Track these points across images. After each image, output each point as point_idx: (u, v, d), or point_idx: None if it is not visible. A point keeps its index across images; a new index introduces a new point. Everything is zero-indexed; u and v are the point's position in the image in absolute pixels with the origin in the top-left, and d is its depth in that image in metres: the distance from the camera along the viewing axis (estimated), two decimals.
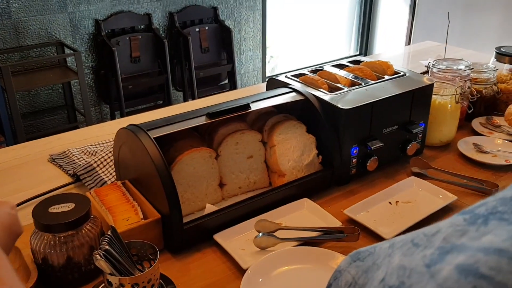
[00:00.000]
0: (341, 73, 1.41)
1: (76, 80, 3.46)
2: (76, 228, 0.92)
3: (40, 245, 0.92)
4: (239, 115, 1.23)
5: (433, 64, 1.50)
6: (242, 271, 0.95)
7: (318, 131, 1.25)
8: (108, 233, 0.88)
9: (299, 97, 1.26)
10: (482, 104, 1.63)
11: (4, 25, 3.25)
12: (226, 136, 1.19)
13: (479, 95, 1.55)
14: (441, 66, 1.48)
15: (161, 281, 0.93)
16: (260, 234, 1.03)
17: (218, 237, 1.06)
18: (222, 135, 1.20)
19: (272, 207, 1.15)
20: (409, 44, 4.91)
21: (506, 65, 1.67)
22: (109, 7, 3.62)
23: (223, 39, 4.09)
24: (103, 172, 1.30)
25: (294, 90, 1.28)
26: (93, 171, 1.30)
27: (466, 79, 1.48)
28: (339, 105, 1.21)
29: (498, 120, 1.59)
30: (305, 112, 1.28)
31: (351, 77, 1.37)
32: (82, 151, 1.44)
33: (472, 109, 1.48)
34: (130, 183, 1.13)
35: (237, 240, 1.07)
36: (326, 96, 1.25)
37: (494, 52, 1.68)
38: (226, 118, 1.20)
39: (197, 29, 3.95)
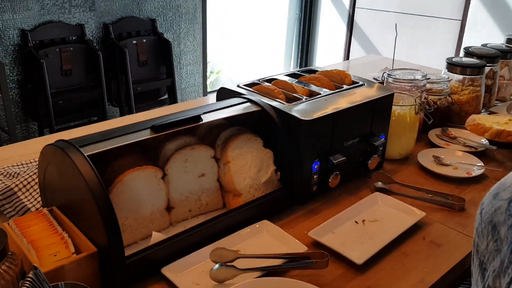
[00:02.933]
0: (298, 83, 1.30)
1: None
2: None
3: None
4: (188, 128, 1.09)
5: (388, 74, 1.44)
6: None
7: (276, 145, 1.13)
8: (30, 275, 0.70)
9: (254, 108, 1.13)
10: (437, 116, 1.59)
11: None
12: (173, 152, 1.04)
13: (435, 106, 1.51)
14: (397, 76, 1.42)
15: None
16: (217, 265, 0.88)
17: (167, 270, 0.90)
18: (169, 151, 1.05)
19: (228, 232, 1.01)
20: (347, 59, 4.97)
21: (456, 75, 1.65)
22: (37, 17, 3.35)
23: (162, 52, 3.91)
24: (26, 197, 1.10)
25: (249, 100, 1.15)
26: (13, 196, 1.10)
27: (422, 90, 1.42)
28: (299, 116, 1.09)
29: (453, 131, 1.56)
30: (262, 124, 1.15)
31: (309, 87, 1.27)
32: (1, 173, 1.23)
33: (432, 120, 1.43)
34: (59, 210, 0.95)
35: (190, 273, 0.92)
36: (284, 107, 1.14)
37: (446, 63, 1.65)
38: (173, 131, 1.05)
39: (134, 42, 3.75)
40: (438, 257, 1.00)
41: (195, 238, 0.96)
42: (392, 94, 1.28)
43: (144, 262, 0.88)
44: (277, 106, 1.14)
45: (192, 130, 1.11)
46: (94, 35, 3.65)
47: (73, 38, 3.53)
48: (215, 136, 1.13)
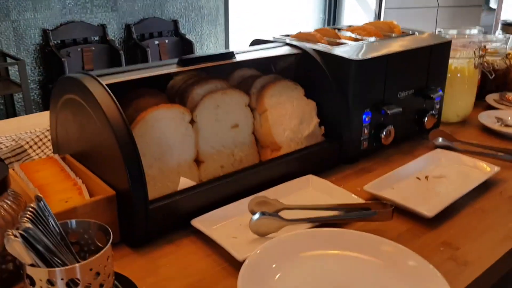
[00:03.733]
0: (341, 32, 1.15)
1: (20, 94, 3.08)
2: None
3: None
4: (220, 73, 0.95)
5: (439, 31, 1.28)
6: (237, 265, 0.65)
7: (319, 95, 0.98)
8: (32, 205, 0.56)
9: (294, 51, 0.99)
10: (494, 82, 1.42)
11: None
12: (203, 96, 0.89)
13: (491, 67, 1.34)
14: (452, 32, 1.26)
15: (116, 282, 0.61)
16: (258, 214, 0.73)
17: (198, 222, 0.75)
18: (198, 95, 0.90)
19: (267, 185, 0.85)
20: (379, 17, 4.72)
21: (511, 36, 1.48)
22: (58, 16, 3.30)
23: (185, 53, 3.82)
24: (37, 154, 0.97)
25: (287, 44, 1.01)
26: (23, 153, 0.97)
27: (479, 46, 1.26)
28: (348, 57, 0.94)
29: None
30: (302, 72, 1.01)
31: (355, 36, 1.12)
32: (13, 139, 1.11)
33: (494, 75, 1.26)
34: (73, 158, 0.82)
35: (225, 226, 0.76)
36: (328, 49, 0.99)
37: (500, 24, 1.49)
38: (204, 77, 0.92)
39: (156, 42, 3.67)
40: None
41: (229, 189, 0.81)
42: (450, 42, 1.12)
43: (170, 210, 0.73)
44: (320, 49, 0.99)
45: (224, 75, 0.97)
46: (116, 36, 3.59)
47: (95, 38, 3.47)
48: (249, 86, 0.98)
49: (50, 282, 0.52)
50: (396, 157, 1.04)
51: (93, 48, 3.36)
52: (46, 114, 1.34)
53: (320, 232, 0.71)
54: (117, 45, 3.56)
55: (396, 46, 1.04)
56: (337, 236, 0.70)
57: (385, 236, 0.74)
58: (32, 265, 0.52)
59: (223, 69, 1.01)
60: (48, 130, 1.01)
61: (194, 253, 0.71)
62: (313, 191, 0.88)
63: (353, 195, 0.83)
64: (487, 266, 0.68)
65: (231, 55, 0.89)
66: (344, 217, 0.76)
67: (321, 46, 1.00)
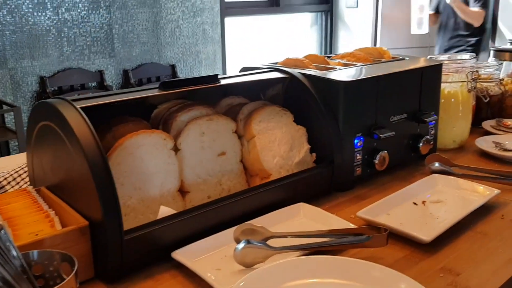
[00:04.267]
0: (330, 59, 1.14)
1: (16, 142, 3.06)
2: None
3: None
4: (205, 100, 0.93)
5: (430, 57, 1.26)
6: None
7: (309, 120, 0.95)
8: None
9: (282, 75, 0.96)
10: (489, 108, 1.39)
11: None
12: (187, 123, 0.86)
13: (485, 92, 1.31)
14: (443, 57, 1.24)
15: None
16: (242, 242, 0.68)
17: (179, 254, 0.70)
18: (182, 122, 0.87)
19: (255, 214, 0.81)
20: None
21: (505, 63, 1.46)
22: (56, 64, 3.33)
23: None
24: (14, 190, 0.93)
25: (275, 69, 0.99)
26: (1, 190, 0.93)
27: (471, 70, 1.24)
28: (338, 79, 0.92)
29: (509, 122, 1.35)
30: (291, 98, 0.98)
31: (344, 62, 1.10)
32: None
33: (488, 99, 1.23)
34: (49, 190, 0.78)
35: (208, 258, 0.71)
36: (317, 73, 0.97)
37: (492, 51, 1.48)
38: (188, 103, 0.89)
39: None
40: None
41: (213, 219, 0.76)
42: (440, 65, 1.10)
43: (148, 241, 0.68)
44: (309, 73, 0.97)
45: (211, 102, 0.94)
46: (113, 81, 3.61)
47: (93, 84, 3.49)
48: (237, 112, 0.96)
49: None
50: (391, 183, 0.99)
51: (90, 94, 3.37)
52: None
53: (305, 260, 0.66)
54: (115, 90, 3.57)
55: (385, 69, 1.01)
56: (322, 264, 0.64)
57: (381, 263, 0.69)
58: None
59: (210, 97, 0.98)
60: (26, 164, 0.97)
61: None
62: (304, 219, 0.83)
63: (346, 222, 0.78)
64: None
65: (214, 78, 0.86)
66: (335, 244, 0.71)
67: (309, 71, 0.98)
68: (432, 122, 1.09)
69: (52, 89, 3.29)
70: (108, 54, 3.58)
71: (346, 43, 4.93)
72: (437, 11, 3.50)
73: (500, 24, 3.98)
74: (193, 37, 3.98)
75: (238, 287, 0.60)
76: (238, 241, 0.70)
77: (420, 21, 3.79)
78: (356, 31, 4.85)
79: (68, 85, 3.38)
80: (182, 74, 3.97)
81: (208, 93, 0.96)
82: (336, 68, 1.02)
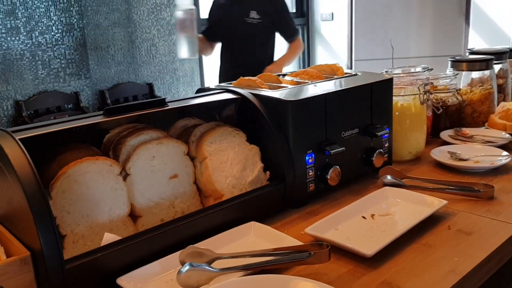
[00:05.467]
0: (283, 77, 1.16)
1: None
2: None
3: None
4: (156, 124, 0.94)
5: (386, 71, 1.29)
6: None
7: (261, 139, 0.97)
8: None
9: (233, 96, 0.98)
10: (447, 118, 1.42)
11: None
12: (136, 147, 0.87)
13: (440, 103, 1.34)
14: (397, 71, 1.27)
15: None
16: (186, 265, 0.69)
17: (125, 280, 0.70)
18: (131, 147, 0.88)
19: (205, 236, 0.82)
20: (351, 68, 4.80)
21: (464, 73, 1.50)
22: (31, 87, 3.32)
23: None
24: None
25: (227, 90, 1.01)
26: None
27: (426, 83, 1.27)
28: (285, 98, 0.94)
29: (468, 130, 1.38)
30: (243, 118, 1.00)
31: (296, 80, 1.12)
32: None
33: (441, 110, 1.26)
34: None
35: (154, 283, 0.72)
36: (267, 92, 0.99)
37: (450, 62, 1.51)
38: (139, 127, 0.90)
39: None
40: (470, 245, 0.79)
41: (161, 243, 0.77)
42: (391, 80, 1.13)
43: (92, 269, 0.69)
44: (259, 93, 0.99)
45: (164, 125, 0.95)
46: (90, 102, 3.61)
47: (69, 106, 3.49)
48: (190, 134, 0.97)
49: None
50: (345, 198, 1.01)
51: (66, 116, 3.36)
52: None
53: (245, 280, 0.67)
54: (91, 110, 3.57)
55: (335, 86, 1.04)
56: (263, 283, 0.66)
57: (325, 278, 0.71)
58: None
59: (164, 120, 1.00)
60: None
61: None
62: (255, 238, 0.84)
63: (293, 239, 0.79)
64: None
65: (161, 102, 0.88)
66: (277, 262, 0.72)
67: (259, 91, 1.00)
68: (385, 135, 1.11)
69: (28, 112, 3.28)
70: (84, 75, 3.58)
71: (324, 56, 4.99)
72: (212, 36, 2.72)
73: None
74: (169, 55, 4.00)
75: None
76: (183, 264, 0.71)
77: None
78: (333, 44, 4.92)
79: (44, 107, 3.37)
80: (160, 93, 3.98)
81: (161, 117, 0.98)
82: (287, 86, 1.04)
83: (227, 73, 2.74)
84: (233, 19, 2.64)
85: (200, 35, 2.63)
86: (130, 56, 3.80)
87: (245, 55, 2.68)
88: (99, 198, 0.80)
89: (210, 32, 2.75)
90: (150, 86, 3.90)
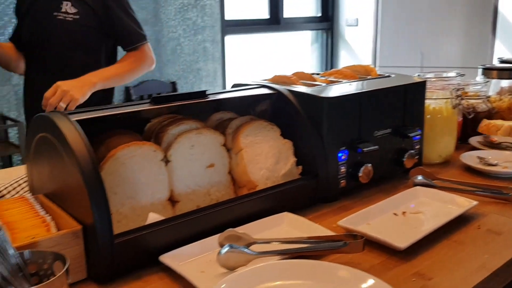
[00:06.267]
0: (319, 76, 1.19)
1: (19, 156, 3.12)
2: None
3: None
4: (195, 115, 0.97)
5: (418, 75, 1.31)
6: None
7: (295, 134, 1.00)
8: None
9: (269, 91, 1.01)
10: (477, 124, 1.44)
11: None
12: (177, 136, 0.91)
13: (471, 109, 1.36)
14: (429, 75, 1.29)
15: None
16: (226, 247, 0.72)
17: (166, 258, 0.74)
18: (172, 136, 0.92)
19: (241, 222, 0.85)
20: None
21: (493, 81, 1.51)
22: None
23: None
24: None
25: (263, 86, 1.04)
26: (0, 200, 0.97)
27: (457, 88, 1.28)
28: (321, 95, 0.97)
29: (496, 138, 1.39)
30: (278, 113, 1.03)
31: (331, 79, 1.15)
32: None
33: (472, 115, 1.28)
34: (46, 197, 0.82)
35: (194, 262, 0.75)
36: (302, 89, 1.02)
37: (481, 69, 1.53)
38: (178, 117, 0.94)
39: None
40: (499, 244, 0.81)
41: (200, 225, 0.80)
42: (424, 82, 1.15)
43: (137, 245, 0.73)
44: (295, 89, 1.02)
45: (202, 117, 0.99)
46: (115, 98, 3.67)
47: None
48: (226, 126, 1.00)
49: None
50: (376, 196, 1.03)
51: (86, 108, 3.43)
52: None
53: (282, 264, 0.70)
54: None
55: (369, 86, 1.06)
56: (298, 267, 0.69)
57: (357, 268, 0.73)
58: None
59: (201, 112, 1.03)
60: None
61: None
62: (288, 227, 0.87)
63: (326, 230, 0.82)
64: None
65: (203, 94, 0.91)
66: (312, 249, 0.75)
67: (295, 87, 1.03)
68: (417, 137, 1.13)
69: None
70: None
71: (347, 61, 5.00)
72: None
73: None
74: (193, 55, 4.05)
75: (218, 287, 0.64)
76: (222, 246, 0.74)
77: None
78: (357, 49, 4.93)
79: None
80: (182, 91, 4.03)
81: (199, 108, 1.02)
82: (322, 84, 1.07)
83: (32, 100, 1.65)
84: (37, 14, 1.63)
85: (8, 42, 1.73)
86: (156, 54, 3.83)
87: (58, 70, 1.61)
88: (143, 181, 0.84)
89: (17, 36, 1.71)
90: (174, 84, 3.96)
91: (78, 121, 0.74)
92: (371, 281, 0.65)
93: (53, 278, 0.53)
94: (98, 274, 0.71)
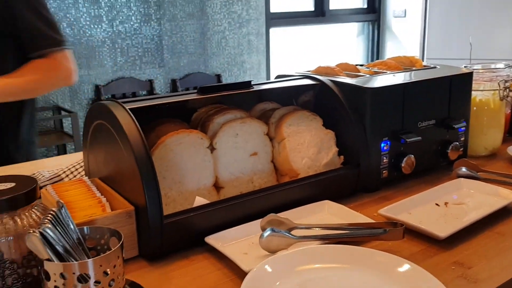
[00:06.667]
0: (363, 67, 1.20)
1: (72, 145, 3.27)
2: (10, 210, 0.65)
3: None
4: (240, 104, 1.01)
5: (465, 66, 1.29)
6: (244, 278, 0.67)
7: (337, 125, 1.01)
8: (53, 209, 0.62)
9: (312, 82, 1.03)
10: None
11: None
12: (222, 125, 0.95)
13: None
14: (476, 66, 1.27)
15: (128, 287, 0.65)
16: (268, 230, 0.75)
17: (212, 239, 0.78)
18: (217, 125, 0.96)
19: (282, 208, 0.88)
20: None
21: None
22: (110, 73, 3.54)
23: None
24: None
25: (306, 76, 1.06)
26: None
27: (506, 80, 1.26)
28: (364, 85, 0.98)
29: None
30: (321, 103, 1.05)
31: (375, 70, 1.15)
32: (53, 171, 1.19)
33: None
34: (102, 180, 0.88)
35: (237, 244, 0.79)
36: (346, 80, 1.03)
37: None
38: (224, 107, 0.98)
39: None
40: None
41: (244, 210, 0.84)
42: (471, 74, 1.13)
43: (184, 226, 0.77)
44: (338, 80, 1.03)
45: (246, 107, 1.02)
46: (162, 90, 3.78)
47: (143, 92, 3.68)
48: (270, 116, 1.03)
49: (63, 276, 0.56)
50: (418, 186, 1.03)
51: (138, 97, 3.55)
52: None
53: (322, 248, 0.73)
54: None
55: (413, 76, 1.06)
56: (337, 251, 0.71)
57: (397, 255, 0.74)
58: (48, 260, 0.56)
59: (245, 102, 1.07)
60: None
61: (206, 267, 0.74)
62: (328, 215, 0.89)
63: (367, 218, 0.84)
64: (498, 284, 0.66)
65: (248, 84, 0.94)
66: (352, 235, 0.77)
67: (338, 78, 1.04)
68: (462, 128, 1.12)
69: (106, 96, 3.50)
70: (158, 64, 3.75)
71: (394, 53, 4.91)
72: None
73: None
74: (238, 48, 4.10)
75: (261, 268, 0.67)
76: (264, 230, 0.77)
77: None
78: (404, 41, 4.83)
79: (121, 93, 3.58)
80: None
81: (243, 99, 1.05)
82: (365, 76, 1.08)
83: None
84: None
85: None
86: (202, 47, 3.95)
87: None
88: (190, 167, 0.88)
89: None
90: (218, 77, 4.03)
91: (131, 109, 0.79)
92: (407, 266, 0.66)
93: (109, 251, 0.58)
94: (149, 252, 0.76)
